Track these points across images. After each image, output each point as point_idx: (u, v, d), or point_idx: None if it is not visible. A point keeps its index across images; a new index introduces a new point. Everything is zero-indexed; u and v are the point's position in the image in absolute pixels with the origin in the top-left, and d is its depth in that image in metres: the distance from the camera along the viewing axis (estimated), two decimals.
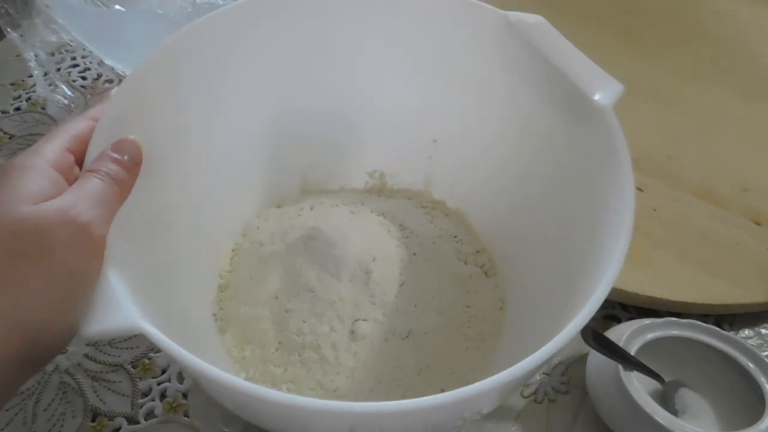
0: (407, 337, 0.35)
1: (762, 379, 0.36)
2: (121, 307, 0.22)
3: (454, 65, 0.37)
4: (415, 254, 0.37)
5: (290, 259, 0.36)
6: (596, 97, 0.30)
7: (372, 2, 0.37)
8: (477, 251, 0.40)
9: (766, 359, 0.37)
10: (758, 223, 0.46)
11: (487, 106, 0.37)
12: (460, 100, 0.39)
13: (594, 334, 0.36)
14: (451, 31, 0.36)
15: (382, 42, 0.38)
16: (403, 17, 0.37)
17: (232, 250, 0.40)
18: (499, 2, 0.36)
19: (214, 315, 0.37)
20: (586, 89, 0.30)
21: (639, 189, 0.48)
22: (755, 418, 0.35)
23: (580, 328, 0.23)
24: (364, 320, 0.34)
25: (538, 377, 0.40)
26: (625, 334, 0.37)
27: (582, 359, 0.40)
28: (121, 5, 0.57)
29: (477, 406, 0.26)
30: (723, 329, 0.40)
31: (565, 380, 0.41)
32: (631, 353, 0.37)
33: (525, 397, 0.40)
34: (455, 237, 0.40)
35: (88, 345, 0.41)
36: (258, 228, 0.40)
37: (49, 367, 0.40)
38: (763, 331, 0.44)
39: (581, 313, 0.23)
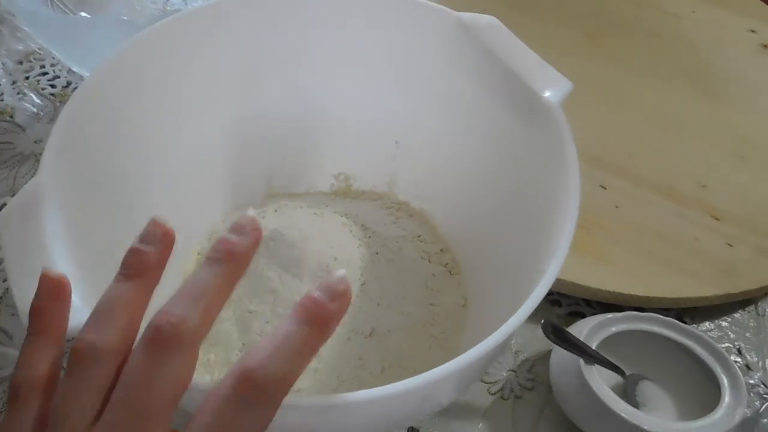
0: (369, 335, 0.35)
1: (718, 370, 0.37)
2: (73, 308, 0.22)
3: (409, 67, 0.38)
4: (377, 254, 0.38)
5: (252, 261, 0.36)
6: (546, 94, 0.30)
7: (328, 8, 0.38)
8: (441, 250, 0.41)
9: (723, 350, 0.38)
10: (716, 218, 0.47)
11: (444, 107, 0.38)
12: (419, 102, 0.39)
13: (554, 329, 0.36)
14: (405, 33, 0.37)
15: (340, 46, 0.39)
16: (359, 21, 0.38)
17: (198, 255, 0.40)
18: (463, 2, 0.36)
19: None
20: (536, 87, 0.31)
21: (602, 187, 0.49)
22: (712, 408, 0.36)
23: (526, 316, 0.24)
24: None
25: (504, 374, 0.41)
26: (586, 328, 0.38)
27: (548, 355, 0.41)
28: (87, 12, 0.57)
29: (435, 395, 0.26)
30: (684, 322, 0.41)
31: (531, 377, 0.41)
32: (593, 347, 0.38)
33: (492, 394, 0.40)
34: (419, 236, 0.41)
35: None
36: (222, 232, 0.40)
37: None
38: (723, 323, 0.45)
39: (527, 302, 0.24)
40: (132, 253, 0.22)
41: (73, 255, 0.25)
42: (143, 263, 0.22)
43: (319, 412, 0.22)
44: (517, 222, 0.34)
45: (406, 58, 0.38)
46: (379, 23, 0.37)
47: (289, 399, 0.20)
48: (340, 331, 0.34)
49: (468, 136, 0.38)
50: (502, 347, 0.28)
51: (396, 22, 0.37)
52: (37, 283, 0.22)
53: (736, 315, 0.45)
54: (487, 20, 0.33)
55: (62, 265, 0.24)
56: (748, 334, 0.44)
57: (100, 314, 0.21)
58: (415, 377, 0.23)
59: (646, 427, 0.34)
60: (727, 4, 0.65)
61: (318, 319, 0.20)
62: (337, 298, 0.20)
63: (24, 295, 0.22)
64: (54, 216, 0.25)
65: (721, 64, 0.59)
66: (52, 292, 0.21)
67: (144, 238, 0.22)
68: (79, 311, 0.22)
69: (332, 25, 0.38)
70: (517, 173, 0.34)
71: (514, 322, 0.24)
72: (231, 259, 0.22)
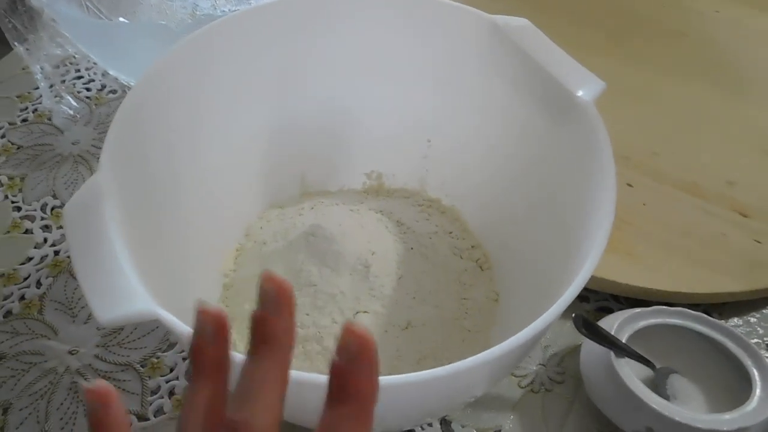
0: (406, 328, 0.36)
1: (749, 363, 0.37)
2: (136, 293, 0.23)
3: (444, 68, 0.39)
4: (412, 249, 0.39)
5: (292, 255, 0.37)
6: (579, 93, 0.31)
7: (362, 9, 0.39)
8: (472, 246, 0.41)
9: (753, 344, 0.38)
10: (744, 215, 0.47)
11: (477, 106, 0.39)
12: (451, 102, 0.40)
13: (585, 323, 0.37)
14: (440, 36, 0.38)
15: (375, 48, 0.40)
16: (394, 23, 0.39)
17: (236, 250, 0.42)
18: (490, 5, 0.37)
19: None
20: (570, 86, 0.31)
21: (629, 185, 0.49)
22: (743, 401, 0.36)
23: (561, 310, 0.25)
24: (365, 312, 0.36)
25: (534, 368, 0.42)
26: (616, 322, 0.39)
27: (577, 350, 0.41)
28: (124, 17, 0.59)
29: (468, 384, 0.27)
30: (713, 318, 0.42)
31: (560, 370, 0.42)
32: (623, 341, 0.38)
33: (522, 387, 0.41)
34: (450, 233, 0.42)
35: (97, 346, 0.42)
36: (261, 228, 0.42)
37: (60, 368, 0.41)
38: (752, 319, 0.45)
39: (563, 297, 0.24)
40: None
41: (131, 248, 0.26)
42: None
43: None
44: (549, 219, 0.34)
45: (440, 60, 0.39)
46: (413, 25, 0.38)
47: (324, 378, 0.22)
48: (377, 323, 0.36)
49: (500, 134, 0.39)
50: (536, 341, 0.29)
51: (430, 25, 0.38)
52: (102, 276, 0.23)
53: (765, 311, 0.46)
54: (519, 22, 0.34)
55: (124, 257, 0.25)
56: None
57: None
58: (450, 365, 0.23)
59: (677, 419, 0.35)
60: (750, 3, 0.65)
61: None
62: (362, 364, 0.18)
63: (90, 285, 0.24)
64: (113, 212, 0.27)
65: (745, 61, 0.60)
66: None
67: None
68: (142, 300, 0.24)
69: (365, 27, 0.39)
70: (550, 171, 0.35)
71: (549, 316, 0.25)
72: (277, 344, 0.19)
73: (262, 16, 0.39)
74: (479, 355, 0.24)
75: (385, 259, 0.37)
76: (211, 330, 0.19)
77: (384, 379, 0.23)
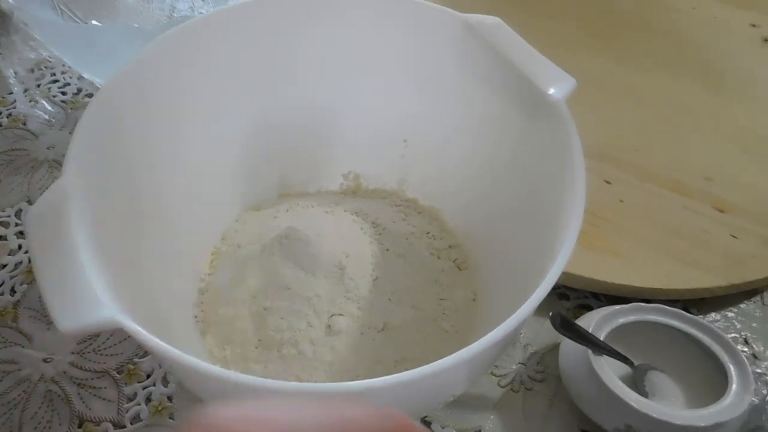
0: (383, 330, 0.36)
1: (726, 358, 0.38)
2: (98, 302, 0.23)
3: (419, 68, 0.39)
4: (388, 250, 0.38)
5: (267, 258, 0.37)
6: (551, 91, 0.31)
7: (338, 9, 0.38)
8: (450, 246, 0.41)
9: (729, 339, 0.38)
10: (721, 211, 0.48)
11: (453, 105, 0.39)
12: (427, 101, 0.40)
13: (563, 321, 0.37)
14: (413, 35, 0.38)
15: (350, 48, 0.40)
16: (367, 23, 0.38)
17: (212, 254, 0.41)
18: (477, 5, 0.37)
19: (195, 317, 0.38)
20: (541, 84, 0.31)
21: (606, 182, 0.50)
22: (720, 396, 0.36)
23: (533, 308, 0.25)
24: (340, 315, 0.35)
25: (514, 367, 0.42)
26: (594, 320, 0.39)
27: (557, 348, 0.41)
28: (97, 20, 0.58)
29: (446, 384, 0.27)
30: (691, 313, 0.42)
31: (540, 369, 0.42)
32: (601, 338, 0.38)
33: (502, 387, 0.41)
34: (428, 233, 0.41)
35: (73, 353, 0.41)
36: (236, 231, 0.41)
37: (35, 376, 0.40)
38: (729, 314, 0.45)
39: (533, 295, 0.24)
40: None
41: (97, 254, 0.26)
42: None
43: (332, 399, 0.23)
44: (525, 217, 0.34)
45: (414, 59, 0.39)
46: (387, 25, 0.38)
47: (303, 386, 0.21)
48: (353, 326, 0.35)
49: (475, 133, 0.39)
50: (511, 338, 0.29)
51: (404, 24, 0.38)
52: (65, 283, 0.22)
53: (743, 306, 0.46)
54: (492, 21, 0.34)
55: (88, 263, 0.24)
56: (754, 324, 0.45)
57: None
58: (426, 366, 0.23)
59: (655, 416, 0.35)
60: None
61: None
62: None
63: (51, 293, 0.23)
64: (78, 217, 0.26)
65: (723, 58, 0.60)
66: None
67: None
68: (105, 308, 0.23)
69: (341, 28, 0.39)
70: (523, 169, 0.35)
71: (521, 313, 0.25)
72: None
73: (238, 15, 0.38)
74: (451, 356, 0.24)
75: (360, 261, 0.37)
76: None
77: (361, 383, 0.23)
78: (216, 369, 0.22)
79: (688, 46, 0.61)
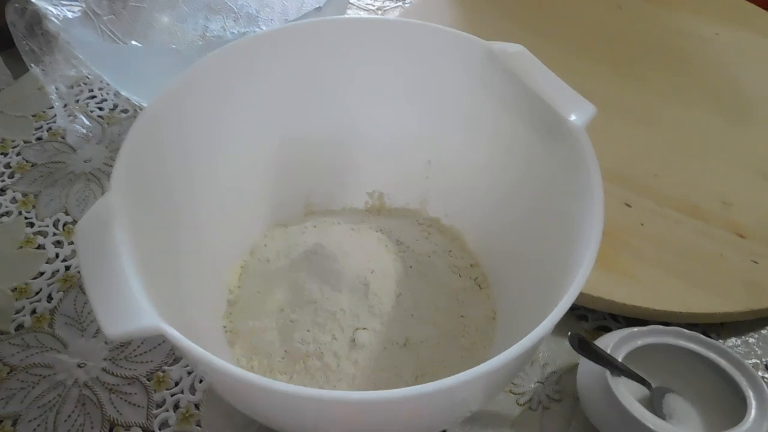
0: (404, 345, 0.37)
1: (744, 383, 0.38)
2: (143, 310, 0.24)
3: (443, 92, 0.40)
4: (411, 267, 0.40)
5: (294, 273, 0.38)
6: (571, 118, 0.32)
7: (366, 35, 0.40)
8: (470, 265, 0.42)
9: (747, 364, 0.39)
10: (741, 236, 0.48)
11: (475, 130, 0.40)
12: (450, 125, 0.42)
13: (581, 342, 0.38)
14: (439, 61, 0.39)
15: (376, 72, 0.41)
16: (395, 49, 0.40)
17: (241, 268, 0.43)
18: (496, 32, 0.39)
19: (224, 328, 0.40)
20: (562, 111, 0.32)
21: (627, 205, 0.50)
22: (738, 421, 0.36)
23: (550, 328, 0.26)
24: (364, 329, 0.37)
25: (532, 386, 0.42)
26: (612, 341, 0.39)
27: (575, 368, 0.42)
28: (136, 40, 0.61)
29: (464, 398, 0.28)
30: (710, 338, 0.42)
31: (558, 388, 0.42)
32: (619, 360, 0.39)
33: (520, 405, 0.42)
34: (450, 252, 0.43)
35: (105, 360, 0.43)
36: (265, 246, 0.43)
37: (69, 381, 0.42)
38: (750, 340, 0.46)
39: (550, 315, 0.25)
40: None
41: (139, 265, 0.27)
42: None
43: (353, 407, 0.25)
44: (543, 240, 0.35)
45: (439, 84, 0.40)
46: (414, 51, 0.40)
47: (333, 394, 0.23)
48: (376, 340, 0.36)
49: (496, 157, 0.40)
50: (528, 355, 0.30)
51: (431, 51, 0.39)
52: (111, 291, 0.24)
53: (764, 331, 0.46)
54: (515, 48, 0.35)
55: (133, 273, 0.26)
56: None
57: None
58: (444, 380, 0.24)
59: None
60: (750, 25, 0.66)
61: None
62: None
63: (99, 301, 0.25)
64: (122, 230, 0.28)
65: (744, 84, 0.61)
66: None
67: None
68: (148, 316, 0.25)
69: (370, 53, 0.40)
70: (542, 193, 0.36)
71: (539, 332, 0.26)
72: None
73: (269, 40, 0.40)
74: (468, 371, 0.25)
75: (384, 278, 0.38)
76: None
77: (382, 394, 0.24)
78: (248, 374, 0.24)
79: (708, 71, 0.62)
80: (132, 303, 0.25)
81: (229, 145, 0.41)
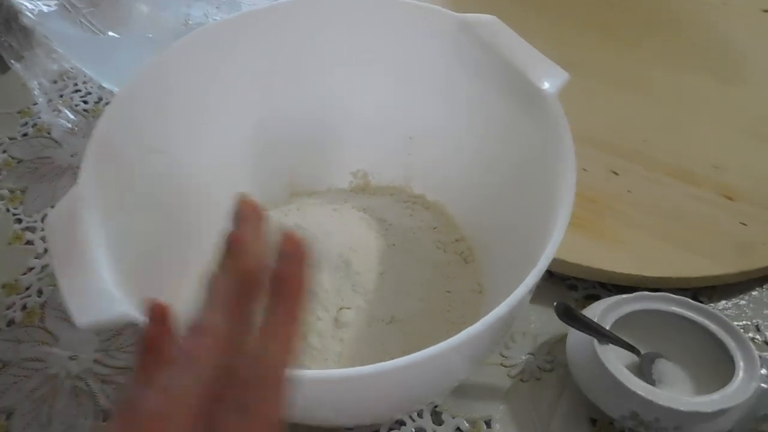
0: (390, 322, 0.37)
1: (732, 344, 0.38)
2: (113, 298, 0.24)
3: (419, 66, 0.40)
4: (394, 245, 0.39)
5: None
6: (544, 85, 0.32)
7: (341, 13, 0.40)
8: (456, 240, 0.42)
9: (734, 325, 0.38)
10: (730, 198, 0.48)
11: (452, 102, 0.40)
12: (430, 98, 0.41)
13: (566, 310, 0.38)
14: (413, 35, 0.39)
15: (353, 49, 0.41)
16: (370, 25, 0.40)
17: None
18: (482, 3, 0.38)
19: None
20: (535, 79, 0.32)
21: (614, 172, 0.50)
22: (727, 381, 0.36)
23: (525, 292, 0.26)
24: (348, 308, 0.37)
25: (523, 357, 0.42)
26: (599, 309, 0.39)
27: (565, 339, 0.42)
28: (115, 31, 0.60)
29: (448, 367, 0.28)
30: (701, 302, 0.42)
31: (549, 359, 0.42)
32: (606, 327, 0.39)
33: (511, 377, 0.42)
34: (435, 228, 0.42)
35: (97, 351, 0.43)
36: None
37: (62, 374, 0.42)
38: (741, 302, 0.45)
39: (528, 278, 0.25)
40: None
41: (111, 253, 0.27)
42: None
43: (339, 384, 0.25)
44: (523, 209, 0.35)
45: (414, 59, 0.40)
46: (389, 27, 0.39)
47: (315, 373, 0.23)
48: (361, 319, 0.36)
49: (474, 128, 0.40)
50: (507, 321, 0.30)
51: (404, 25, 0.39)
52: (81, 281, 0.24)
53: (754, 293, 0.46)
54: (487, 19, 0.35)
55: (102, 262, 0.26)
56: (766, 311, 0.45)
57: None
58: (427, 349, 0.24)
59: (660, 402, 0.35)
60: None
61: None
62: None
63: (68, 290, 0.25)
64: (93, 220, 0.28)
65: (734, 45, 0.60)
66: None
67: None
68: (119, 303, 0.25)
69: (344, 31, 0.40)
70: (521, 162, 0.36)
71: (515, 296, 0.26)
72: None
73: (246, 21, 0.40)
74: (448, 341, 0.25)
75: (366, 256, 0.38)
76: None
77: (370, 368, 0.24)
78: None
79: (697, 33, 0.61)
80: (103, 290, 0.25)
81: (208, 129, 0.41)
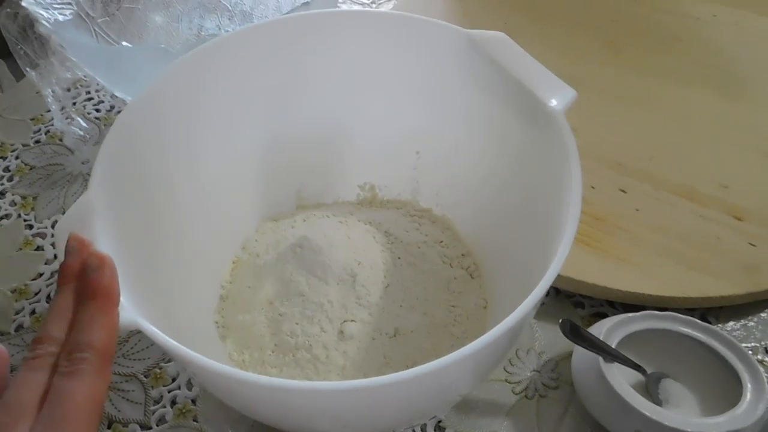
0: (394, 336, 0.37)
1: (739, 366, 0.37)
2: (120, 306, 0.25)
3: (427, 82, 0.40)
4: (399, 258, 0.39)
5: (281, 266, 0.39)
6: (551, 102, 0.32)
7: (348, 28, 0.40)
8: (462, 254, 0.42)
9: (742, 347, 0.38)
10: (738, 218, 0.47)
11: (459, 118, 0.40)
12: (436, 114, 0.41)
13: (572, 328, 0.37)
14: (422, 51, 0.39)
15: (363, 65, 0.41)
16: (379, 40, 0.40)
17: (233, 263, 0.43)
18: (486, 16, 0.38)
19: (216, 323, 0.40)
20: (542, 96, 0.32)
21: (622, 191, 0.50)
22: (734, 403, 0.36)
23: (529, 308, 0.26)
24: (352, 321, 0.37)
25: (528, 374, 0.42)
26: (605, 327, 0.39)
27: (571, 356, 0.42)
28: (129, 41, 0.61)
29: (451, 381, 0.28)
30: (709, 323, 0.41)
31: (554, 376, 0.42)
32: (612, 346, 0.38)
33: (516, 394, 0.41)
34: (441, 242, 0.42)
35: None
36: (256, 241, 0.43)
37: None
38: (749, 323, 0.45)
39: (532, 294, 0.25)
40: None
41: (120, 261, 0.27)
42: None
43: (341, 396, 0.25)
44: (529, 225, 0.35)
45: (423, 74, 0.40)
46: (396, 42, 0.40)
47: (316, 385, 0.23)
48: (365, 331, 0.36)
49: (482, 144, 0.40)
50: (511, 336, 0.30)
51: (412, 41, 0.39)
52: None
53: (763, 314, 0.45)
54: (495, 35, 0.35)
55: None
56: None
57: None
58: (430, 363, 0.24)
59: (667, 423, 0.35)
60: (747, 6, 0.65)
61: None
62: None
63: None
64: (102, 227, 0.28)
65: (742, 64, 0.60)
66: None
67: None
68: (124, 311, 0.25)
69: (354, 46, 0.40)
70: (526, 178, 0.36)
71: (519, 312, 0.26)
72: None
73: (255, 35, 0.40)
74: (454, 354, 0.25)
75: (371, 269, 0.38)
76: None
77: (372, 380, 0.24)
78: (221, 366, 0.24)
79: (705, 53, 0.61)
80: None
81: (217, 139, 0.41)
